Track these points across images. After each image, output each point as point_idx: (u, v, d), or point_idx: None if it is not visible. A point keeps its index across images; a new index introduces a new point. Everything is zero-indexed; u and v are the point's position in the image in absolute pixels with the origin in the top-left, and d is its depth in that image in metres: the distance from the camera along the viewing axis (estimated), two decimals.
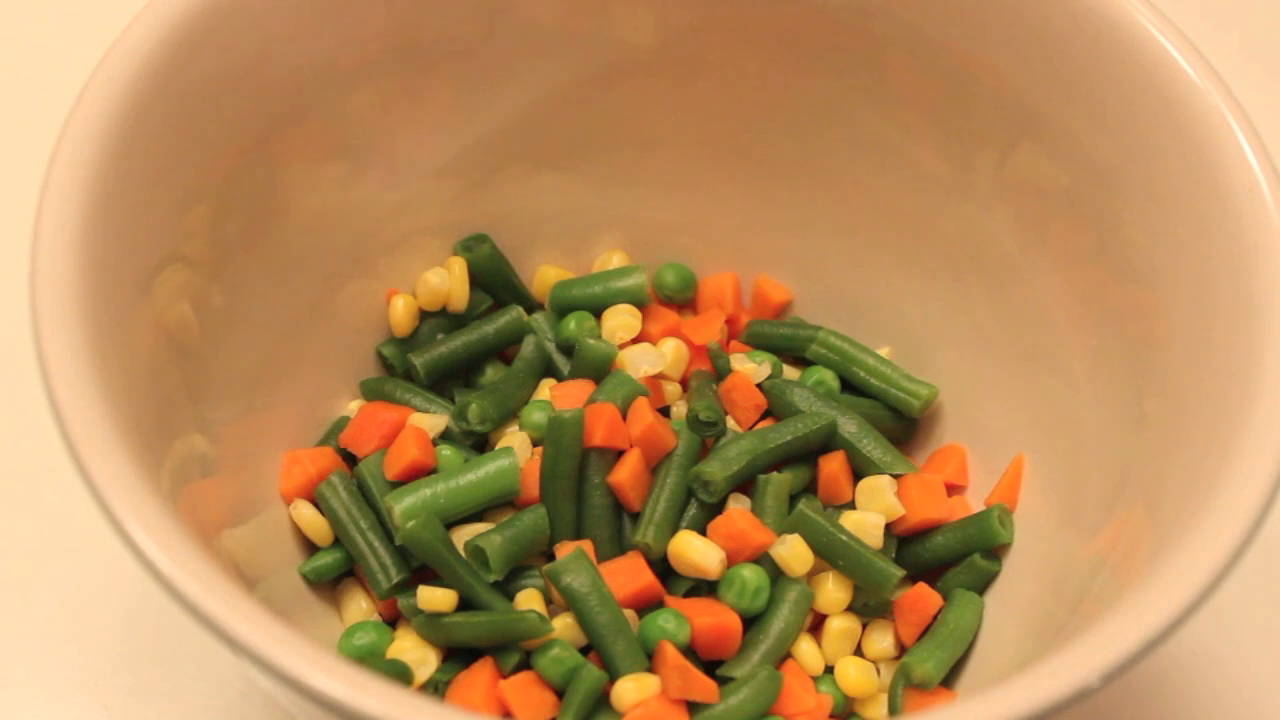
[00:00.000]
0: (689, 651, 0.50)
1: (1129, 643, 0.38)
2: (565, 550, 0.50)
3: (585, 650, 0.50)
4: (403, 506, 0.50)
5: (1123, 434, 0.50)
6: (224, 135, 0.49)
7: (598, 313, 0.57)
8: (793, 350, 0.57)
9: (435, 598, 0.49)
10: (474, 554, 0.50)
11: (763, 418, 0.55)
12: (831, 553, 0.51)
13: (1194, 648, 0.56)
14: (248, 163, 0.50)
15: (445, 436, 0.54)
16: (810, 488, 0.54)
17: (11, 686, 0.54)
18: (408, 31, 0.53)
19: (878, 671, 0.52)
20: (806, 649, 0.51)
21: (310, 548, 0.52)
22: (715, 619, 0.50)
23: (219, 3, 0.48)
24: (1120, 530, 0.48)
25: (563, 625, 0.50)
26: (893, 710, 0.50)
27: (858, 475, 0.54)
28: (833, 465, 0.53)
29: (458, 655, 0.50)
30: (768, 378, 0.55)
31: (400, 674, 0.49)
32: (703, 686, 0.48)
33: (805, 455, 0.53)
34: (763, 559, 0.51)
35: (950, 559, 0.53)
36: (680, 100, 0.56)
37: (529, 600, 0.50)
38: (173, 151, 0.47)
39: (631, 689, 0.48)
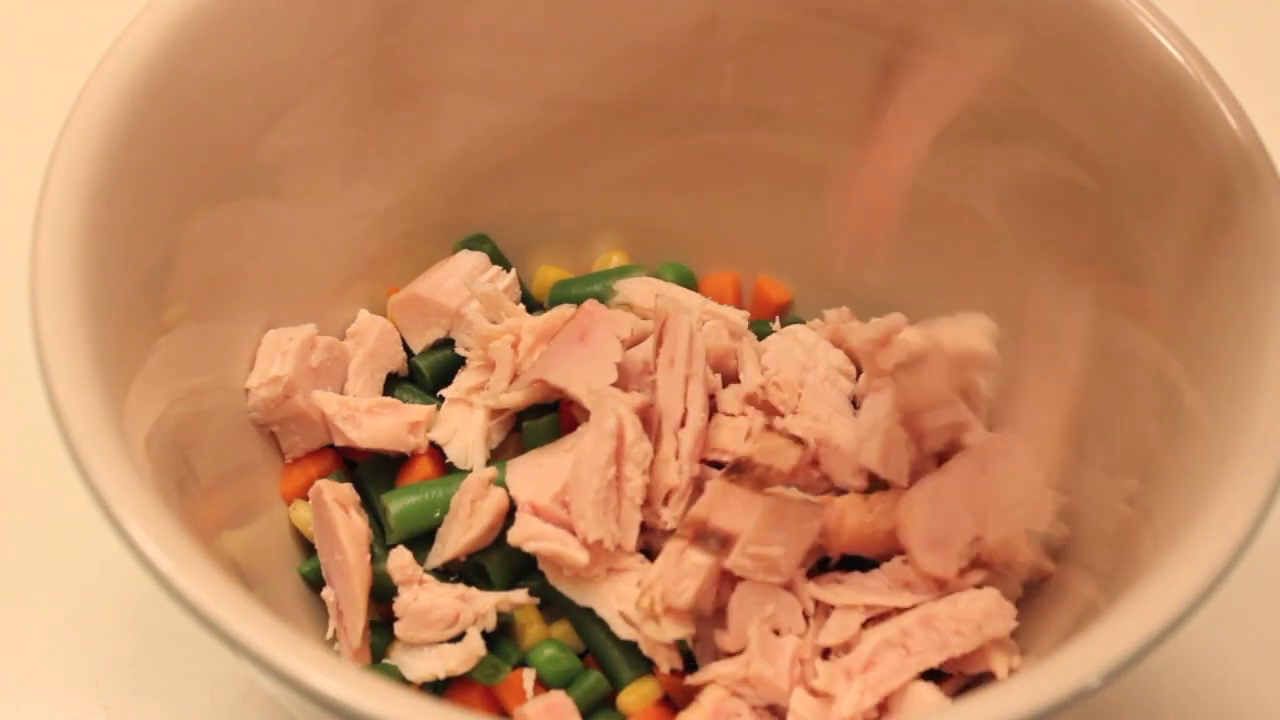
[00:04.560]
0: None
1: (1129, 643, 0.38)
2: None
3: (583, 654, 0.50)
4: (399, 507, 0.50)
5: (1123, 434, 0.49)
6: (224, 135, 0.49)
7: None
8: None
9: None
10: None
11: None
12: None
13: (1194, 647, 0.56)
14: (247, 162, 0.50)
15: None
16: None
17: (11, 686, 0.54)
18: (406, 32, 0.53)
19: None
20: None
21: (310, 548, 0.52)
22: None
23: (218, 3, 0.48)
24: (1121, 530, 0.48)
25: (562, 631, 0.50)
26: None
27: None
28: None
29: None
30: None
31: (400, 675, 0.49)
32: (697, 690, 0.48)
33: None
34: None
35: None
36: (681, 100, 0.56)
37: (524, 608, 0.50)
38: (173, 151, 0.47)
39: (633, 697, 0.48)
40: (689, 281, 0.59)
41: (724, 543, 0.47)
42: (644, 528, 0.49)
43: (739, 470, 0.47)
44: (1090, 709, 0.39)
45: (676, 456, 0.48)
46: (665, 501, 0.48)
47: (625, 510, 0.48)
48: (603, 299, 0.55)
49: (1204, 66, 0.47)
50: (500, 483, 0.49)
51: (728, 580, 0.48)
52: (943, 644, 0.46)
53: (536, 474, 0.49)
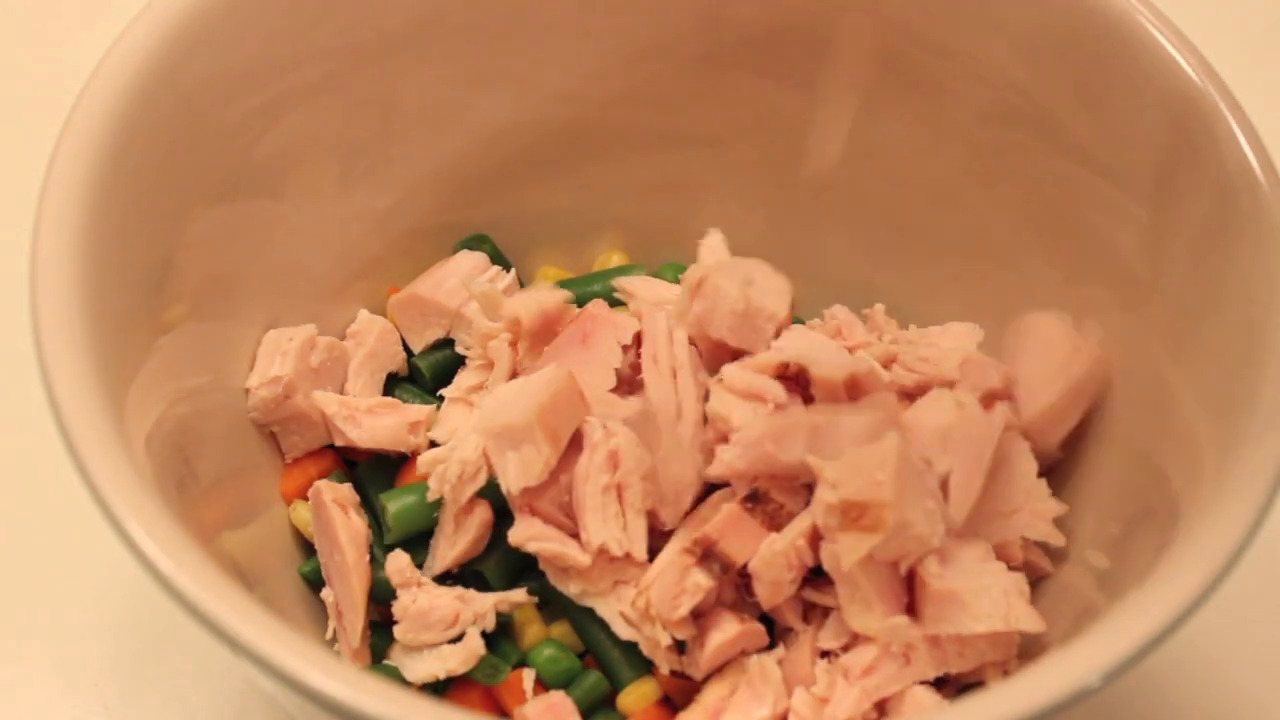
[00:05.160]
0: None
1: (1129, 643, 0.38)
2: None
3: (583, 654, 0.50)
4: (397, 507, 0.50)
5: (1122, 435, 0.49)
6: (224, 135, 0.49)
7: None
8: None
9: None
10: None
11: None
12: None
13: (1194, 647, 0.56)
14: (247, 162, 0.50)
15: None
16: None
17: (11, 686, 0.54)
18: (407, 30, 0.53)
19: None
20: None
21: (310, 548, 0.52)
22: None
23: (219, 3, 0.48)
24: (1121, 531, 0.48)
25: (561, 631, 0.50)
26: None
27: None
28: None
29: None
30: None
31: (400, 675, 0.49)
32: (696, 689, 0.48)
33: None
34: None
35: None
36: (680, 100, 0.56)
37: (523, 608, 0.50)
38: (173, 151, 0.47)
39: (633, 697, 0.48)
40: None
41: (725, 568, 0.47)
42: None
43: (755, 500, 0.47)
44: (1090, 709, 0.39)
45: (679, 446, 0.48)
46: (676, 494, 0.48)
47: (630, 519, 0.48)
48: (605, 299, 0.55)
49: (1204, 65, 0.47)
50: (485, 494, 0.49)
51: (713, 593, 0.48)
52: (943, 661, 0.46)
53: (512, 402, 0.48)
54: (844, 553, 0.45)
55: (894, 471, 0.44)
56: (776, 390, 0.47)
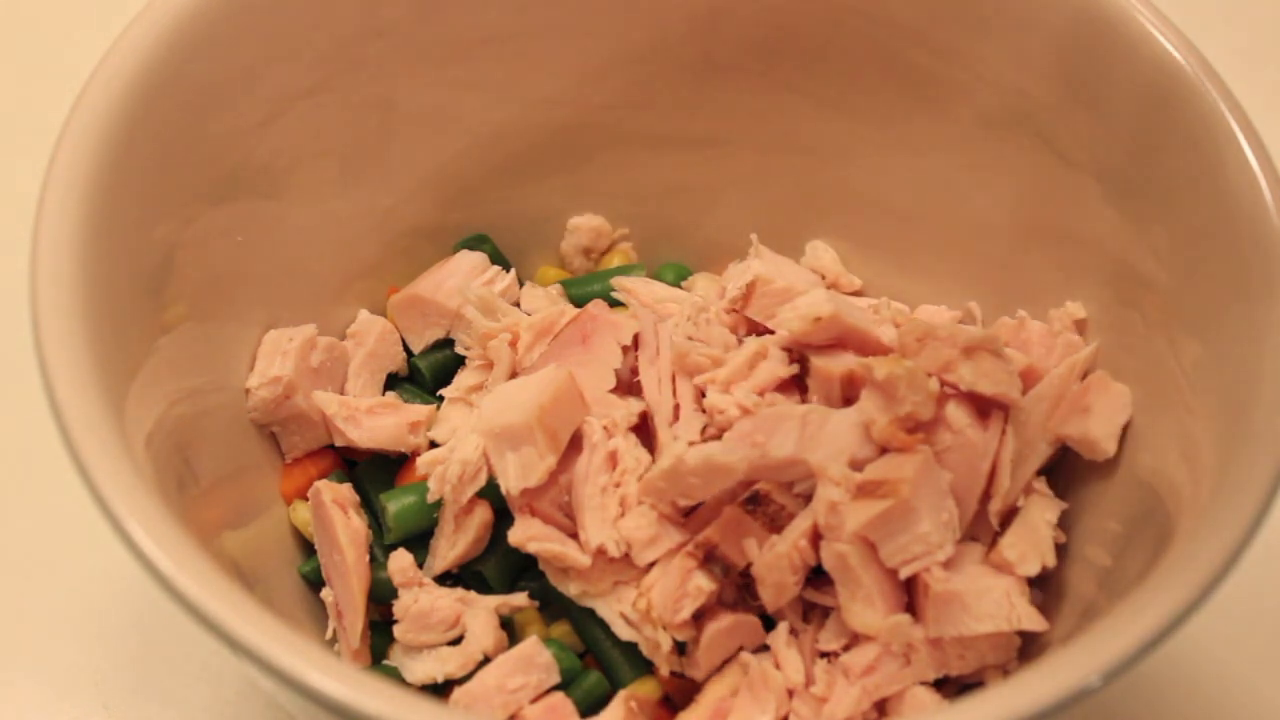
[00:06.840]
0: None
1: (1129, 642, 0.38)
2: None
3: (583, 654, 0.50)
4: (397, 507, 0.50)
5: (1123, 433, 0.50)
6: (224, 135, 0.49)
7: None
8: None
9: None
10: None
11: None
12: None
13: (1195, 647, 0.56)
14: (247, 162, 0.50)
15: None
16: None
17: (13, 685, 0.54)
18: (406, 32, 0.53)
19: None
20: None
21: (310, 548, 0.52)
22: None
23: (218, 3, 0.48)
24: (1121, 530, 0.48)
25: (562, 631, 0.50)
26: None
27: None
28: None
29: None
30: None
31: (400, 676, 0.49)
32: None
33: None
34: None
35: None
36: (679, 102, 0.56)
37: (526, 612, 0.50)
38: (173, 152, 0.47)
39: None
40: None
41: (728, 571, 0.47)
42: None
43: (755, 502, 0.47)
44: (1090, 709, 0.39)
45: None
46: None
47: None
48: (605, 299, 0.55)
49: (1203, 65, 0.47)
50: (485, 494, 0.49)
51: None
52: (944, 663, 0.46)
53: (512, 402, 0.49)
54: (850, 516, 0.45)
55: (918, 468, 0.45)
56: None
